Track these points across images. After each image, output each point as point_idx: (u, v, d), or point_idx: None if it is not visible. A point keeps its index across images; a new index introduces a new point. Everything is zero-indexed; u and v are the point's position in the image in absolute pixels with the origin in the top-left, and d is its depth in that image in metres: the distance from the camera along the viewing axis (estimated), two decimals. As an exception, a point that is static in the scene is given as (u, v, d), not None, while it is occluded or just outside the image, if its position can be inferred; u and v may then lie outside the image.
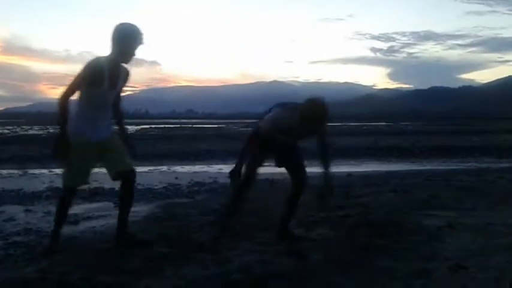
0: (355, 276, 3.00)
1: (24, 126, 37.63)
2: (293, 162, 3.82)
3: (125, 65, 3.54)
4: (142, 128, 35.09)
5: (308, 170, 3.89)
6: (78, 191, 3.83)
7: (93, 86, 3.37)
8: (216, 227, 3.99)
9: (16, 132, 29.04)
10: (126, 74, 3.60)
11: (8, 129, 31.97)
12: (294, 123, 3.45)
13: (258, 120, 3.82)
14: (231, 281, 2.93)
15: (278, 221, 3.90)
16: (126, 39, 3.39)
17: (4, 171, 9.74)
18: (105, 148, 3.56)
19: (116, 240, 3.70)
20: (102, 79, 3.37)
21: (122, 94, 3.73)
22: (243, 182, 3.65)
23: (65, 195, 3.65)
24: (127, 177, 3.70)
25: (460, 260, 3.22)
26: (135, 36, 3.43)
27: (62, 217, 3.65)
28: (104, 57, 3.44)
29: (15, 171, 9.69)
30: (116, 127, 3.77)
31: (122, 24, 3.43)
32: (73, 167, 3.50)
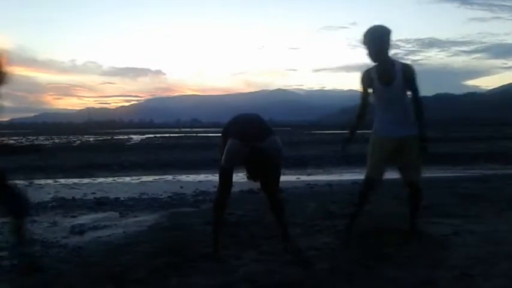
0: (361, 286, 2.99)
1: (29, 137, 37.85)
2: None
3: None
4: (147, 137, 35.19)
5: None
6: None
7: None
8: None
9: (22, 142, 29.20)
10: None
11: (14, 140, 32.15)
12: None
13: None
14: (237, 290, 2.93)
15: (280, 230, 3.89)
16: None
17: (10, 182, 9.78)
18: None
19: None
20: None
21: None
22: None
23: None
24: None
25: (466, 268, 3.20)
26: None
27: None
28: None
29: (21, 182, 9.73)
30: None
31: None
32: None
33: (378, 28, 3.80)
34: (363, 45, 3.85)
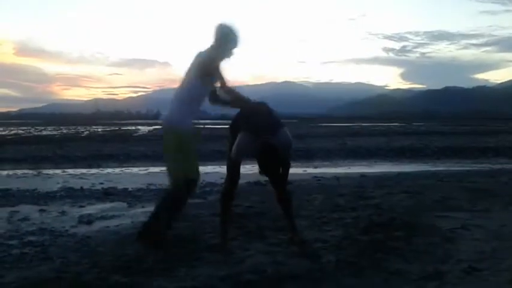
0: (368, 279, 2.99)
1: (38, 127, 38.08)
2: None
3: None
4: (154, 129, 35.27)
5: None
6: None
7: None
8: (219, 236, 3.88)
9: (30, 132, 29.40)
10: None
11: (22, 130, 32.39)
12: None
13: None
14: (244, 281, 2.94)
15: (287, 222, 3.90)
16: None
17: (19, 171, 9.88)
18: None
19: None
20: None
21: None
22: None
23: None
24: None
25: (473, 262, 3.20)
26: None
27: None
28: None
29: (30, 172, 9.82)
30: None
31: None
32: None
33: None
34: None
